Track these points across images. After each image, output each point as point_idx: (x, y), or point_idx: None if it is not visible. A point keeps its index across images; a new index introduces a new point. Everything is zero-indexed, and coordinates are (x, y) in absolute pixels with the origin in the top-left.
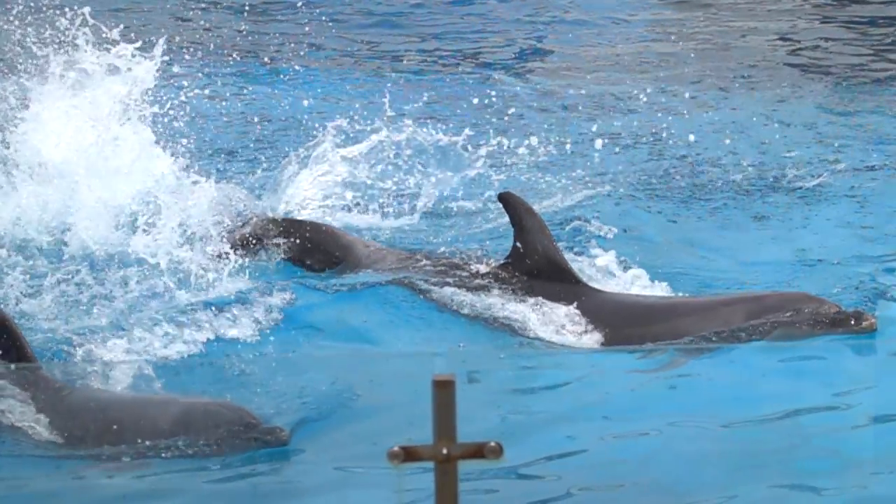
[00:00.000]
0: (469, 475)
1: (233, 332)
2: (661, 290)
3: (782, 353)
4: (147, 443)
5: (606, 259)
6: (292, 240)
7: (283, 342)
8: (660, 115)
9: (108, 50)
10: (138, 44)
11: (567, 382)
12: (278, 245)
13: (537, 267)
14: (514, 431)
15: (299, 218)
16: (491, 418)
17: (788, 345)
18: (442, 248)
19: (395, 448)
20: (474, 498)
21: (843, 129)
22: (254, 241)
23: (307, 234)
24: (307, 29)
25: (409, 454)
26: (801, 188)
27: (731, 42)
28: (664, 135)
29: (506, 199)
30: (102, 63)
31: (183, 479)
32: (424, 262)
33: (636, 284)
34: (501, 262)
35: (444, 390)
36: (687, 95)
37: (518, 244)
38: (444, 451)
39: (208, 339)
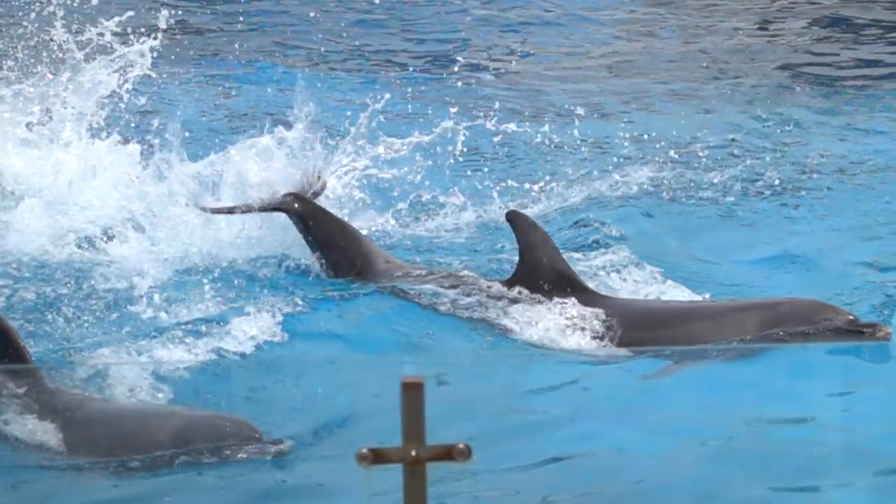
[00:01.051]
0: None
1: (229, 339)
2: (663, 292)
3: (777, 359)
4: (149, 455)
5: (606, 262)
6: (317, 229)
7: (278, 350)
8: (640, 115)
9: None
10: (115, 25)
11: (547, 387)
12: (301, 226)
13: (545, 279)
14: (485, 434)
15: (332, 211)
16: (464, 422)
17: (783, 352)
18: (451, 263)
19: (364, 450)
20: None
21: (824, 129)
22: (280, 210)
23: (333, 231)
24: (284, 28)
25: (377, 456)
26: (781, 190)
27: (712, 42)
28: (647, 136)
29: (511, 218)
30: (84, 50)
31: (175, 490)
32: (437, 278)
33: (642, 287)
34: (509, 277)
35: (412, 393)
36: (668, 96)
37: (524, 258)
38: (413, 452)
39: (204, 347)
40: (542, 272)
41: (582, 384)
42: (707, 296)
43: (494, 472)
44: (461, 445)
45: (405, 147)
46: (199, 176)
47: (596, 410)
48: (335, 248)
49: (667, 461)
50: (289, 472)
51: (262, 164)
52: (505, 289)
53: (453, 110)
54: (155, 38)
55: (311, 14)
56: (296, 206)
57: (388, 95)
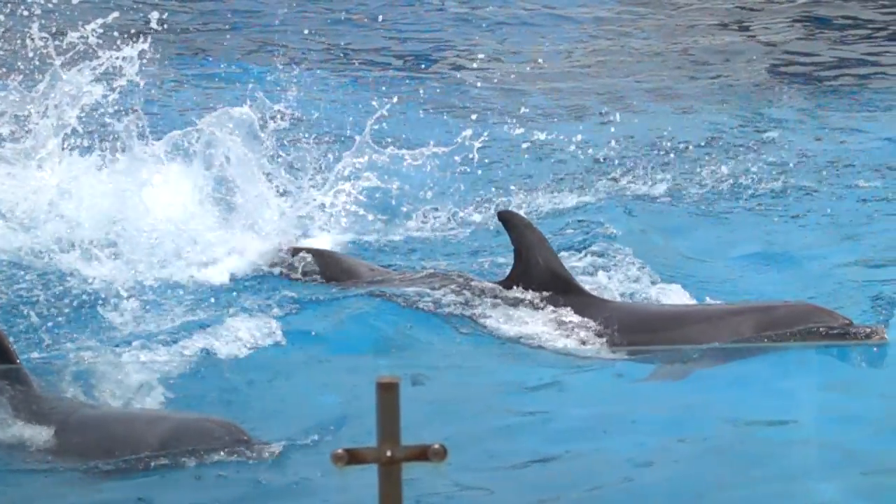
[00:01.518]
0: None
1: (213, 343)
2: (649, 291)
3: (769, 362)
4: (138, 458)
5: (591, 263)
6: (298, 266)
7: (260, 353)
8: (620, 115)
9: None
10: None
11: (530, 387)
12: (285, 273)
13: (541, 281)
14: (466, 434)
15: (301, 245)
16: (444, 422)
17: (776, 354)
18: (440, 264)
19: (339, 450)
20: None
21: (804, 128)
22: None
23: (310, 261)
24: (266, 27)
25: (352, 456)
26: (761, 189)
27: (692, 41)
28: (627, 136)
29: (506, 218)
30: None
31: (165, 493)
32: (427, 280)
33: (629, 286)
34: (504, 278)
35: (388, 393)
36: (648, 95)
37: (520, 259)
38: (388, 453)
39: (188, 350)
40: (538, 273)
41: (565, 384)
42: (689, 294)
43: (473, 472)
44: (436, 446)
45: (393, 152)
46: (169, 152)
47: (578, 411)
48: (320, 275)
49: (651, 462)
50: (275, 474)
51: (239, 136)
52: (499, 289)
53: (433, 112)
54: (145, 42)
55: (285, 12)
56: (276, 256)
57: (395, 99)
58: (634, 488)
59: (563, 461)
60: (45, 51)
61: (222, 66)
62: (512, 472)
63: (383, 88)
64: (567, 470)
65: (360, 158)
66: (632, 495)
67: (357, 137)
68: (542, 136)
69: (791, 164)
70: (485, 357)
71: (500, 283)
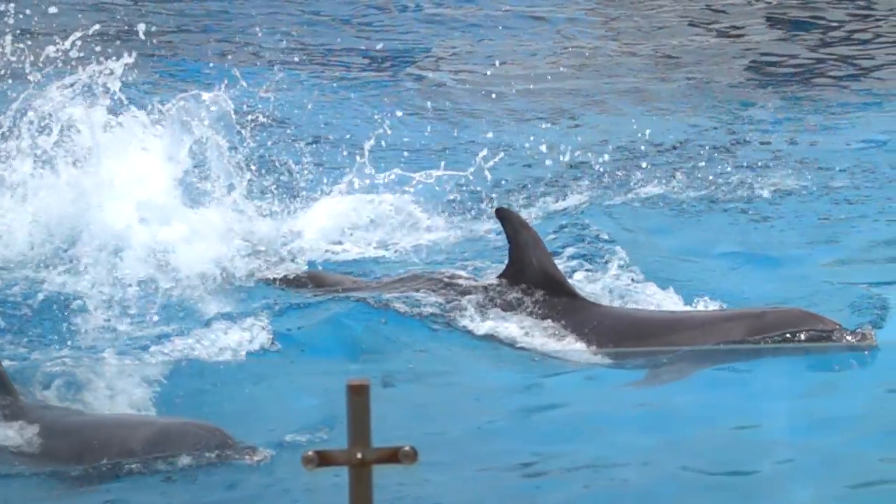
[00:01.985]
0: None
1: (199, 348)
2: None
3: (757, 366)
4: (121, 463)
5: (575, 265)
6: (279, 277)
7: (238, 357)
8: (594, 117)
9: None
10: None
11: (509, 389)
12: (264, 279)
13: (534, 281)
14: (437, 437)
15: (285, 269)
16: (420, 424)
17: (764, 359)
18: (431, 264)
19: (309, 453)
20: None
21: (780, 128)
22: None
23: (295, 283)
24: (239, 28)
25: (323, 458)
26: (737, 191)
27: (667, 42)
28: (602, 138)
29: (503, 215)
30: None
31: (148, 498)
32: (416, 281)
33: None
34: (496, 277)
35: (358, 395)
36: (621, 97)
37: (513, 259)
38: (359, 455)
39: (171, 355)
40: (531, 273)
41: (544, 386)
42: (671, 295)
43: (448, 474)
44: (407, 448)
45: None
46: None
47: (556, 413)
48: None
49: (628, 464)
50: (250, 476)
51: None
52: (491, 288)
53: (399, 111)
54: (129, 56)
55: (260, 13)
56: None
57: (399, 113)
58: (613, 490)
59: (539, 463)
60: (18, 65)
61: (186, 64)
62: (487, 475)
63: (371, 92)
64: (543, 472)
65: (345, 168)
66: (611, 498)
67: (330, 136)
68: (516, 140)
69: (767, 165)
70: (465, 358)
71: (492, 281)
